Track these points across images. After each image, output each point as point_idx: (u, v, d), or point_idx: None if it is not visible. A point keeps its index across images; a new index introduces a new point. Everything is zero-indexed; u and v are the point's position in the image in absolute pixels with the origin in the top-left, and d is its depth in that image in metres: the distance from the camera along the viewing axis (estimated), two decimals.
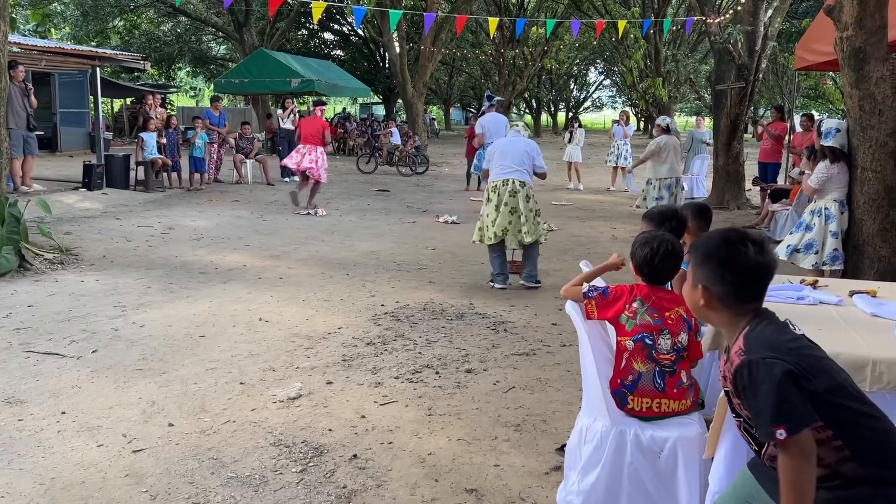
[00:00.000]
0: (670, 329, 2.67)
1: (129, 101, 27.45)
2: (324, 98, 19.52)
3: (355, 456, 3.26)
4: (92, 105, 16.91)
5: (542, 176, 6.60)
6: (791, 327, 1.83)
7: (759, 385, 1.66)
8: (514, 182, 6.31)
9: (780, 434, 1.62)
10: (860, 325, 2.84)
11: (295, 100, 17.54)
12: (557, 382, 4.20)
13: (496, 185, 6.38)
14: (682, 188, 12.06)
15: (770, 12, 12.12)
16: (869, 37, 5.21)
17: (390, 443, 3.39)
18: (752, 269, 1.83)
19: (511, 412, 3.77)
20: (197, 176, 13.15)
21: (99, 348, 4.61)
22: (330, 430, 3.52)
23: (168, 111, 27.05)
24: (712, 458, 2.36)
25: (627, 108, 30.38)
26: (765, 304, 2.89)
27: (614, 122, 15.94)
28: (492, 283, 6.50)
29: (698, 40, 32.23)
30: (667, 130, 10.00)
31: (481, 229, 6.50)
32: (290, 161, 10.90)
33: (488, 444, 3.41)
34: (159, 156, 12.47)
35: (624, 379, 2.68)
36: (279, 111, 15.90)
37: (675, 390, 2.65)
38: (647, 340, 2.65)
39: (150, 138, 12.37)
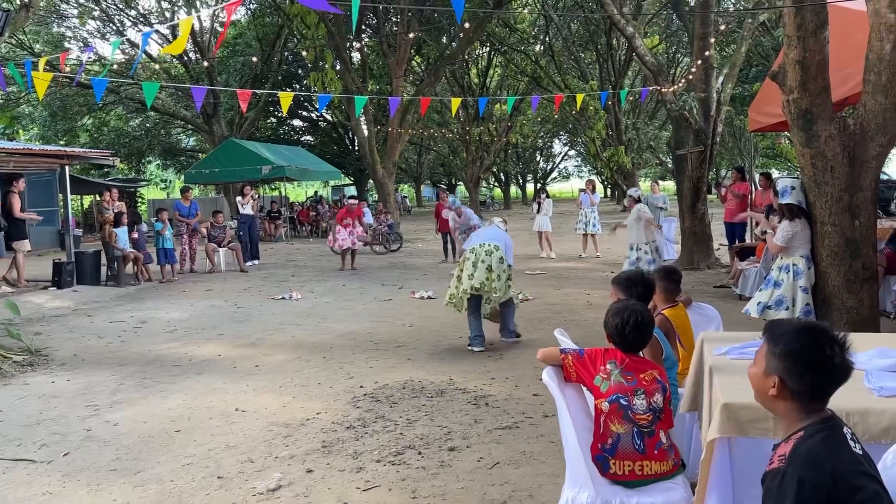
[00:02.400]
0: (645, 389, 2.69)
1: (98, 196, 27.49)
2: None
3: None
4: (61, 203, 16.88)
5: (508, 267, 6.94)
6: (851, 444, 1.77)
7: (785, 498, 1.67)
8: (490, 244, 6.81)
9: None
10: None
11: (254, 187, 17.94)
12: (542, 454, 4.15)
13: (474, 248, 6.85)
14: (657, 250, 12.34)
15: (721, 79, 12.65)
16: (814, 98, 5.45)
17: None
18: (836, 373, 1.80)
19: (497, 489, 3.71)
20: (168, 267, 13.08)
21: (71, 451, 4.48)
22: None
23: (138, 204, 27.13)
24: None
25: (593, 177, 31.14)
26: (736, 360, 2.92)
27: (581, 190, 16.30)
28: (470, 347, 6.84)
29: (656, 108, 33.41)
30: (639, 200, 10.64)
31: (452, 292, 6.83)
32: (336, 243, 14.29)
33: None
34: (131, 250, 12.43)
35: (604, 443, 2.67)
36: (238, 198, 16.18)
37: (655, 451, 2.65)
38: (622, 401, 2.66)
39: (122, 233, 12.35)
